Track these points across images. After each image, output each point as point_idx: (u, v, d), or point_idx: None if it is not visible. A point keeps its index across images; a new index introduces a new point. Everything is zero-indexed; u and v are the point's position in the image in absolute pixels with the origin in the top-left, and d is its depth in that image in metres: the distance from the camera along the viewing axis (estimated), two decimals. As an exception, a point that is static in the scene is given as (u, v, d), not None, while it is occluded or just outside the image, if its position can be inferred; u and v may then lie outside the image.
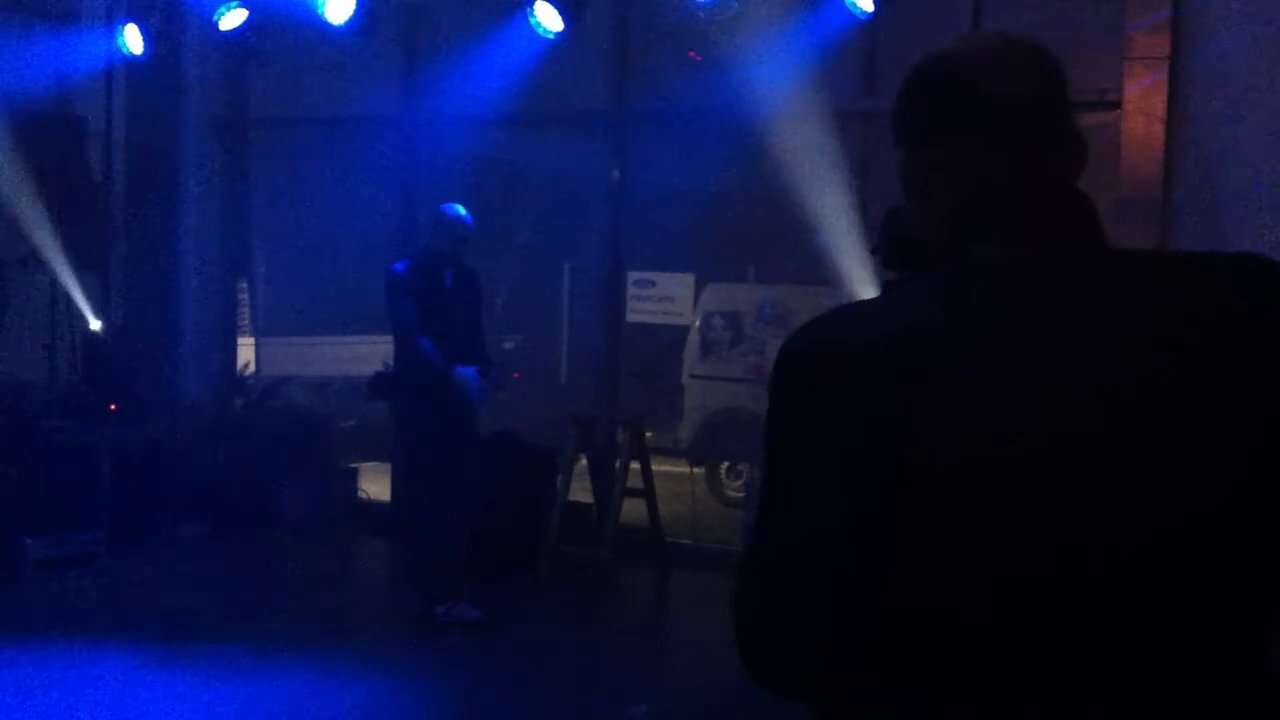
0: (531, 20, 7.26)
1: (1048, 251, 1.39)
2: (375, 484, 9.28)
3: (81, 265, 8.56)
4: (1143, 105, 6.07)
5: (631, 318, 9.17)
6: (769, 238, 10.41)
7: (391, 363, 6.96)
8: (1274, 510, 1.32)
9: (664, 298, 10.67)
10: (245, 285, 10.33)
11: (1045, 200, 1.42)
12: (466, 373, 6.38)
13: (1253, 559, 1.32)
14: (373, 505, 9.08)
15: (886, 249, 1.60)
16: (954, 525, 1.29)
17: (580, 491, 7.97)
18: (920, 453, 1.27)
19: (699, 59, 7.98)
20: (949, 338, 1.32)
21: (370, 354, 9.50)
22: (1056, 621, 1.29)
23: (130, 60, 8.34)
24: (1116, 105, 6.18)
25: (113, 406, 8.17)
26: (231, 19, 7.87)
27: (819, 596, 1.33)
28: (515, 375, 10.49)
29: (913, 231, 1.49)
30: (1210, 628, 1.33)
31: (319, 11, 7.59)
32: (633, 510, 7.81)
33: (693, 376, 10.92)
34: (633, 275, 9.21)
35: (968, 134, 1.43)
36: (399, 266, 6.48)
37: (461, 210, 6.46)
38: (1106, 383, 1.31)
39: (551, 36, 7.33)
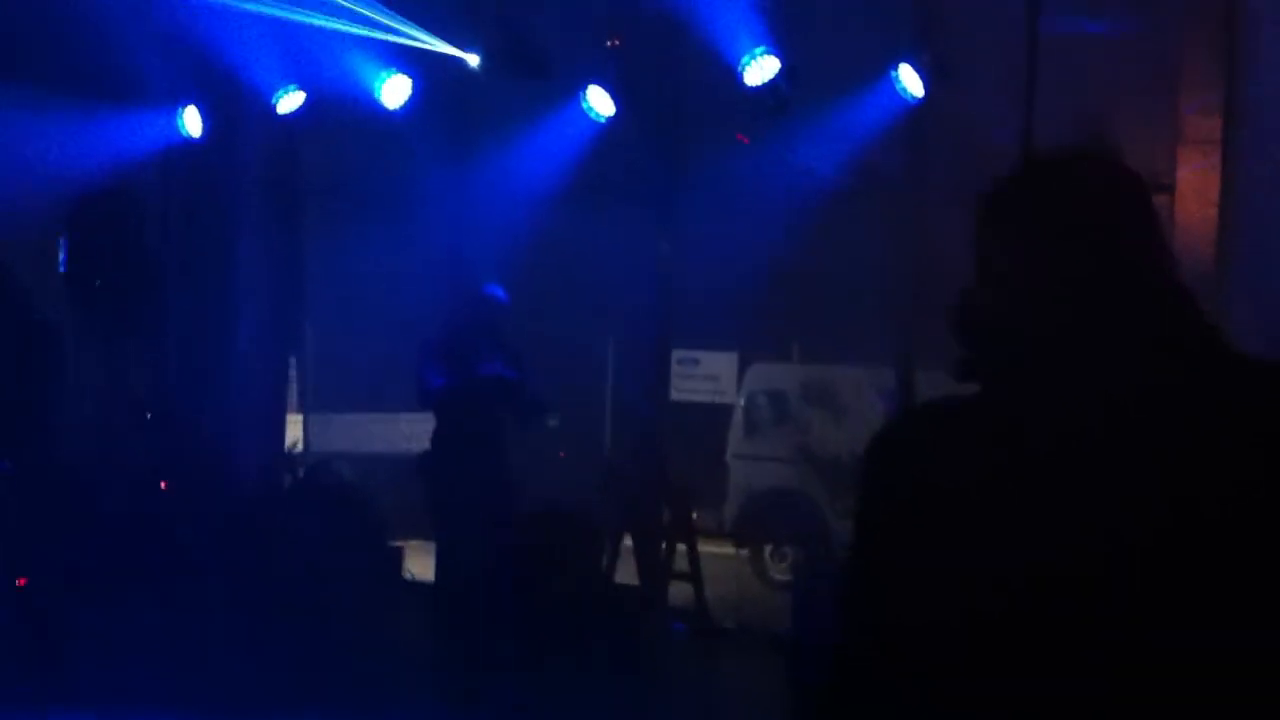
0: (584, 105, 7.37)
1: (1120, 360, 1.39)
2: (420, 563, 9.25)
3: (136, 342, 8.65)
4: (1196, 188, 6.07)
5: (676, 396, 9.18)
6: (814, 317, 10.43)
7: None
8: None
9: (708, 376, 10.70)
10: (295, 362, 10.42)
11: (1142, 300, 1.42)
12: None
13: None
14: (417, 586, 9.04)
15: (961, 328, 1.61)
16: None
17: (625, 571, 7.92)
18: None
19: (747, 141, 8.05)
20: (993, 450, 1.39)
21: (419, 432, 9.53)
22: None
23: (189, 141, 8.50)
24: (1170, 189, 6.18)
25: (163, 485, 8.22)
26: (289, 102, 8.02)
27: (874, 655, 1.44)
28: (561, 455, 10.49)
29: (1008, 329, 1.49)
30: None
31: (375, 94, 7.73)
32: (678, 592, 7.75)
33: (736, 456, 10.89)
34: (677, 354, 9.23)
35: (1074, 230, 1.44)
36: (431, 342, 6.52)
37: (497, 290, 6.48)
38: (1140, 507, 1.33)
39: (603, 120, 7.43)
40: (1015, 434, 1.39)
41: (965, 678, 1.37)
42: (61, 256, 8.09)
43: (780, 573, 10.71)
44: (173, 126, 8.46)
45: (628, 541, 7.93)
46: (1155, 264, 1.45)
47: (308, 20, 7.63)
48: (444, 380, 6.43)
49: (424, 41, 7.68)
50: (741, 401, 10.88)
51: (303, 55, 8.02)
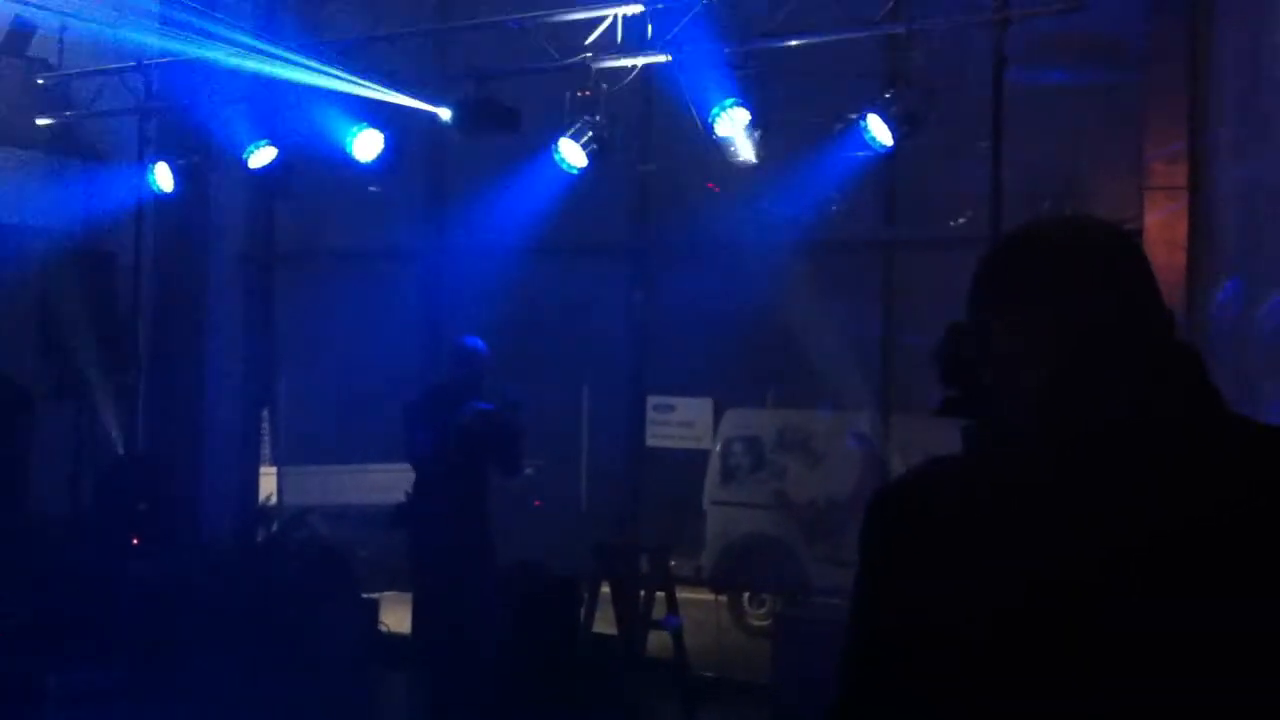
0: (556, 156, 7.40)
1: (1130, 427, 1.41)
2: (395, 615, 9.18)
3: (107, 397, 8.61)
4: (1164, 234, 6.14)
5: (651, 442, 9.17)
6: (788, 363, 10.46)
7: (412, 492, 6.97)
8: None
9: (683, 422, 10.69)
10: (267, 415, 10.37)
11: (1144, 367, 1.44)
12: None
13: None
14: (393, 639, 8.97)
15: (945, 365, 1.62)
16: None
17: (603, 621, 7.87)
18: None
19: (718, 190, 8.10)
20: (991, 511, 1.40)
21: (393, 483, 9.49)
22: None
23: (160, 197, 8.49)
24: (1138, 233, 6.25)
25: (135, 540, 8.16)
26: (260, 157, 8.03)
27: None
28: (537, 504, 10.46)
29: (1006, 406, 1.50)
30: None
31: (347, 149, 7.74)
32: (657, 640, 7.71)
33: (714, 503, 10.87)
34: (652, 400, 9.23)
35: (1075, 297, 1.45)
36: (412, 399, 6.55)
37: (477, 342, 6.52)
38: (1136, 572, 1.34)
39: (575, 172, 7.46)
40: (1013, 488, 1.40)
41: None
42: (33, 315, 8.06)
43: (759, 619, 10.68)
44: (144, 182, 8.45)
45: (605, 590, 7.89)
46: (1155, 320, 1.47)
47: (279, 76, 7.65)
48: (428, 430, 6.42)
49: (395, 97, 7.71)
50: (717, 448, 10.87)
51: (274, 110, 8.04)
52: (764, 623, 10.38)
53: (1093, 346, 1.43)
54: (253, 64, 7.59)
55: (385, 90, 7.53)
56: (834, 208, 7.38)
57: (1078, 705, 1.34)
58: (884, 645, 1.45)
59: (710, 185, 8.15)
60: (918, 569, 1.42)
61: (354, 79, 7.51)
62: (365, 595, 9.14)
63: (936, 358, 1.65)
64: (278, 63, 7.55)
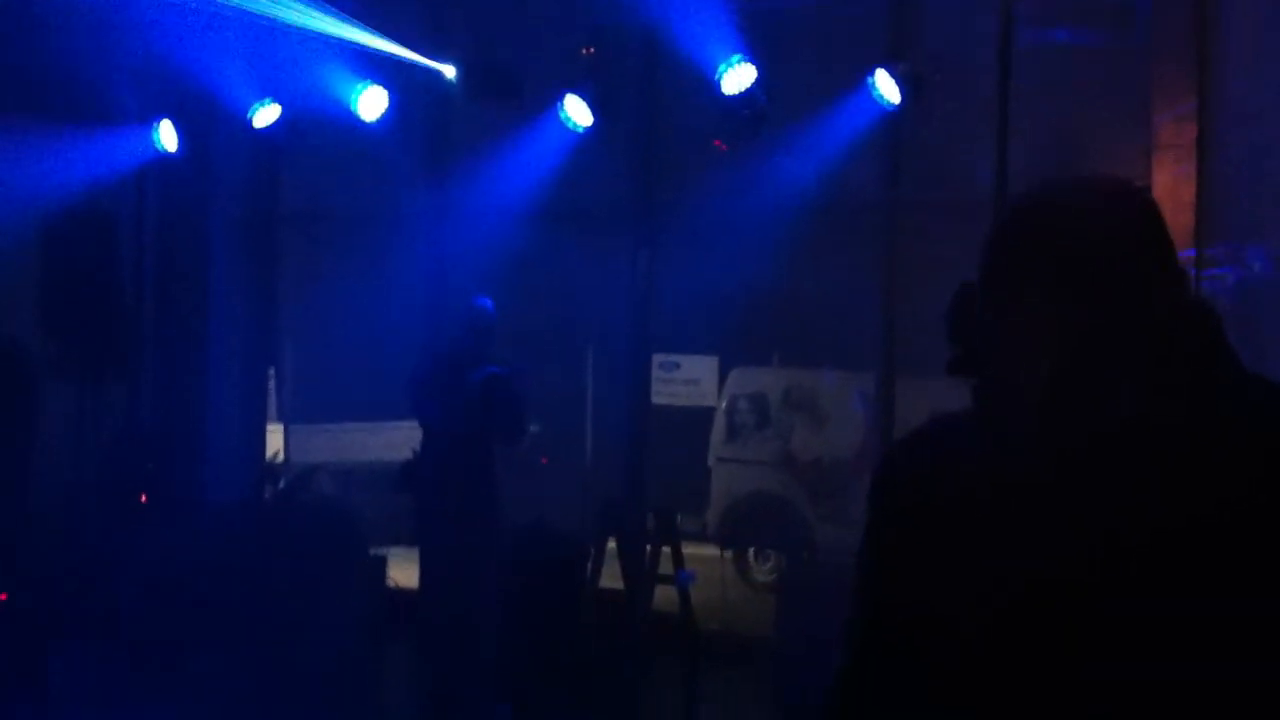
0: (561, 115, 7.37)
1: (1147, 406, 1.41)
2: (403, 571, 9.24)
3: (111, 360, 8.62)
4: (1171, 193, 6.11)
5: (656, 400, 9.18)
6: (794, 322, 10.46)
7: (420, 449, 7.01)
8: None
9: (689, 381, 10.72)
10: (273, 373, 10.40)
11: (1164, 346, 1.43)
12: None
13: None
14: (401, 595, 9.03)
15: (955, 324, 1.62)
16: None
17: (610, 577, 7.92)
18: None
19: (725, 149, 8.07)
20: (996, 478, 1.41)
21: (399, 441, 9.52)
22: None
23: (163, 157, 8.46)
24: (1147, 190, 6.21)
25: (143, 498, 8.20)
26: (264, 116, 8.00)
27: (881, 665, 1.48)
28: (543, 461, 10.50)
29: (1015, 374, 1.50)
30: None
31: (351, 108, 7.71)
32: (663, 596, 7.76)
33: (719, 461, 10.91)
34: (657, 358, 9.24)
35: (1085, 261, 1.45)
36: (421, 360, 6.54)
37: (486, 302, 6.50)
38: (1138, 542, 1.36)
39: (581, 130, 7.44)
40: (1022, 448, 1.41)
41: (975, 692, 1.39)
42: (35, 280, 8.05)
43: (764, 575, 10.75)
44: (148, 142, 8.42)
45: (611, 545, 7.93)
46: (1170, 281, 1.46)
47: (283, 32, 7.60)
48: (438, 390, 6.44)
49: (399, 54, 7.67)
50: (723, 405, 10.91)
51: (278, 68, 8.00)
52: (769, 578, 10.45)
53: (1105, 313, 1.42)
54: (256, 21, 7.54)
55: (389, 42, 7.49)
56: (842, 166, 7.34)
57: (1078, 682, 1.36)
58: (889, 612, 1.46)
59: (717, 143, 8.11)
60: (922, 536, 1.44)
61: (358, 35, 7.46)
62: (373, 552, 9.20)
63: (947, 317, 1.64)
64: (280, 20, 7.51)
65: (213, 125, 8.42)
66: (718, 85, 6.88)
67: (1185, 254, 6.11)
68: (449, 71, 7.65)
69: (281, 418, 11.03)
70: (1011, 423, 1.45)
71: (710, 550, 10.20)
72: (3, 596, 7.09)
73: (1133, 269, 1.44)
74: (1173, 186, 6.11)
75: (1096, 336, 1.41)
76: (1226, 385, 1.43)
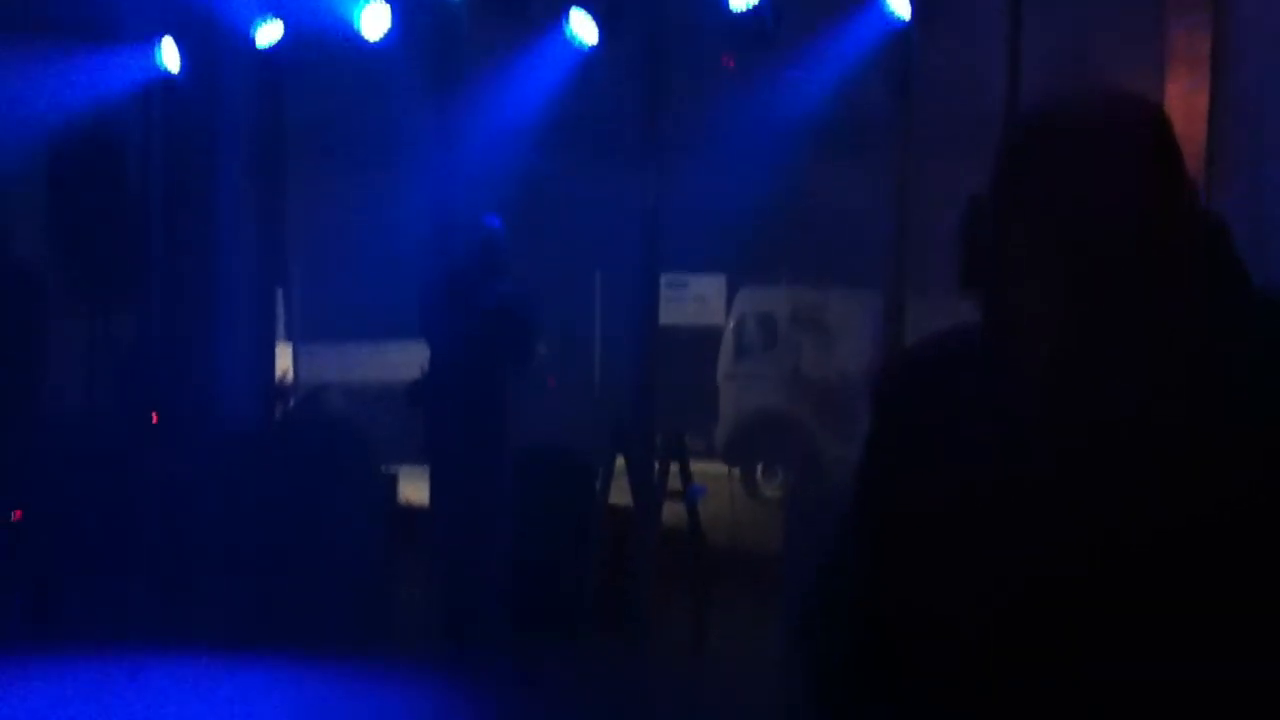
0: (567, 32, 7.29)
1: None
2: (413, 489, 9.32)
3: (121, 281, 8.62)
4: (1185, 106, 6.03)
5: (664, 320, 9.18)
6: (803, 240, 10.42)
7: (428, 368, 7.03)
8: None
9: (697, 299, 10.71)
10: (281, 293, 10.39)
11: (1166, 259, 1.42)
12: None
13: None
14: (412, 512, 9.12)
15: (968, 237, 1.61)
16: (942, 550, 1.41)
17: (619, 495, 7.98)
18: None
19: (732, 65, 7.99)
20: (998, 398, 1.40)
21: (409, 359, 9.54)
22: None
23: (167, 77, 8.40)
24: (1158, 107, 6.13)
25: (154, 418, 8.25)
26: (267, 33, 7.91)
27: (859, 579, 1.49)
28: (551, 382, 10.54)
29: (1022, 297, 1.49)
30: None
31: (355, 25, 7.63)
32: (671, 512, 7.83)
33: (726, 378, 10.94)
34: (665, 277, 9.22)
35: (1097, 195, 1.43)
36: (430, 279, 6.51)
37: (494, 220, 6.47)
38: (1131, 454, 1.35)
39: (587, 48, 7.35)
40: (1026, 363, 1.40)
41: (964, 616, 1.39)
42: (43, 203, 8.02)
43: (771, 491, 10.84)
44: (150, 62, 8.34)
45: (620, 464, 7.98)
46: (1180, 196, 1.45)
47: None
48: (447, 310, 6.43)
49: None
50: (731, 324, 10.91)
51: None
52: (776, 494, 10.53)
53: (1113, 229, 1.40)
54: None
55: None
56: (852, 83, 7.26)
57: (1076, 602, 1.35)
58: (880, 518, 1.47)
59: (725, 61, 8.03)
60: (919, 447, 1.44)
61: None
62: (383, 470, 9.26)
63: (958, 231, 1.63)
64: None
65: (215, 43, 8.33)
66: (725, 1, 6.80)
67: (1198, 170, 6.06)
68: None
69: (290, 337, 11.05)
70: (1017, 338, 1.44)
71: (718, 467, 10.26)
72: (18, 515, 7.18)
73: (1141, 184, 1.42)
74: (1186, 100, 6.03)
75: (1104, 252, 1.40)
76: (1237, 301, 1.42)
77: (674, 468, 7.70)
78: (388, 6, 7.65)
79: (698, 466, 8.38)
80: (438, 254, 8.40)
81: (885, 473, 1.48)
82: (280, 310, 10.40)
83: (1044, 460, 1.36)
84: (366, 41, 7.70)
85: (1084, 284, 1.40)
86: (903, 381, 1.52)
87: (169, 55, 8.26)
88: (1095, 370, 1.38)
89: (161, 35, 8.30)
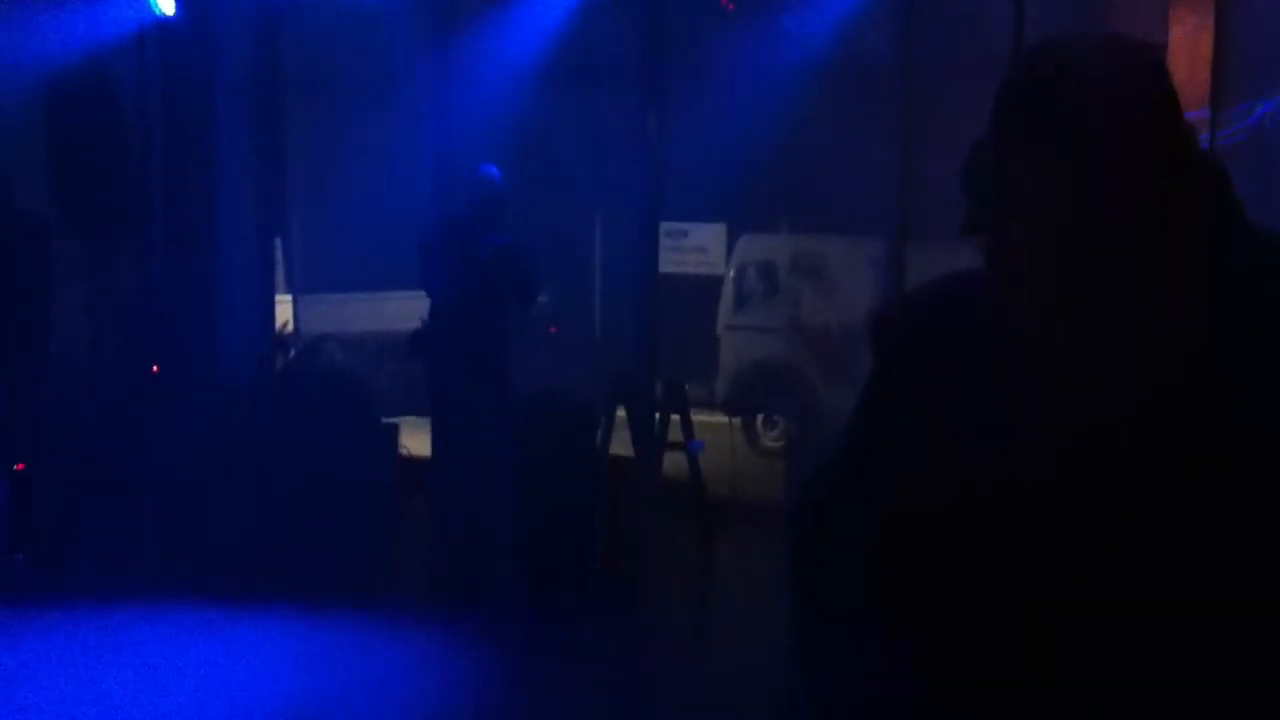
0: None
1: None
2: (415, 440, 9.34)
3: (120, 229, 8.59)
4: (1189, 47, 5.98)
5: (664, 269, 9.16)
6: (803, 188, 10.37)
7: (428, 319, 7.02)
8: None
9: (697, 249, 10.67)
10: (280, 243, 10.36)
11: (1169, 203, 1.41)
12: None
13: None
14: (414, 462, 9.13)
15: (970, 182, 1.62)
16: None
17: (619, 445, 7.99)
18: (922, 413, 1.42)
19: (732, 8, 7.91)
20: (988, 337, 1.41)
21: (409, 310, 9.52)
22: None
23: (162, 20, 8.32)
24: (1162, 48, 6.09)
25: (155, 369, 8.24)
26: (264, -23, 7.83)
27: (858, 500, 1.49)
28: (552, 330, 10.52)
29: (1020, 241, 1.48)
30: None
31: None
32: (672, 462, 7.84)
33: (728, 328, 10.92)
34: (665, 226, 9.18)
35: (1096, 134, 1.42)
36: (429, 230, 6.48)
37: (493, 170, 6.42)
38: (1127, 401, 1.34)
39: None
40: (1026, 306, 1.40)
41: (956, 546, 1.40)
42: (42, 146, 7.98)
43: (771, 441, 10.85)
44: (145, 5, 8.26)
45: (621, 414, 7.98)
46: (1177, 139, 1.44)
47: None
48: (446, 261, 6.40)
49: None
50: (731, 273, 10.87)
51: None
52: (777, 444, 10.55)
53: (1110, 173, 1.40)
54: None
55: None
56: (852, 26, 7.19)
57: (1076, 545, 1.35)
58: (874, 452, 1.48)
59: (724, 2, 7.96)
60: (917, 387, 1.44)
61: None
62: (385, 420, 9.27)
63: (961, 176, 1.63)
64: None
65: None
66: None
67: (1200, 112, 6.01)
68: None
69: (290, 288, 11.02)
70: (1018, 279, 1.44)
71: (719, 418, 10.26)
72: (20, 466, 7.19)
73: (1138, 128, 1.41)
74: (1190, 38, 5.98)
75: (1102, 195, 1.40)
76: (1237, 242, 1.41)
77: (675, 418, 7.70)
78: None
79: (698, 417, 8.37)
80: (437, 203, 8.36)
81: (883, 413, 1.47)
82: (280, 261, 10.38)
83: (1045, 402, 1.35)
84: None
85: (1084, 224, 1.40)
86: (902, 325, 1.51)
87: (164, -2, 8.19)
88: (1096, 311, 1.37)
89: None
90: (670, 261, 9.42)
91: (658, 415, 7.80)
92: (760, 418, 11.00)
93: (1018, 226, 1.45)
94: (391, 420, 9.35)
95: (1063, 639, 1.35)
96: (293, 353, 9.72)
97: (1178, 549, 1.32)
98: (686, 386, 8.06)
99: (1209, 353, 1.34)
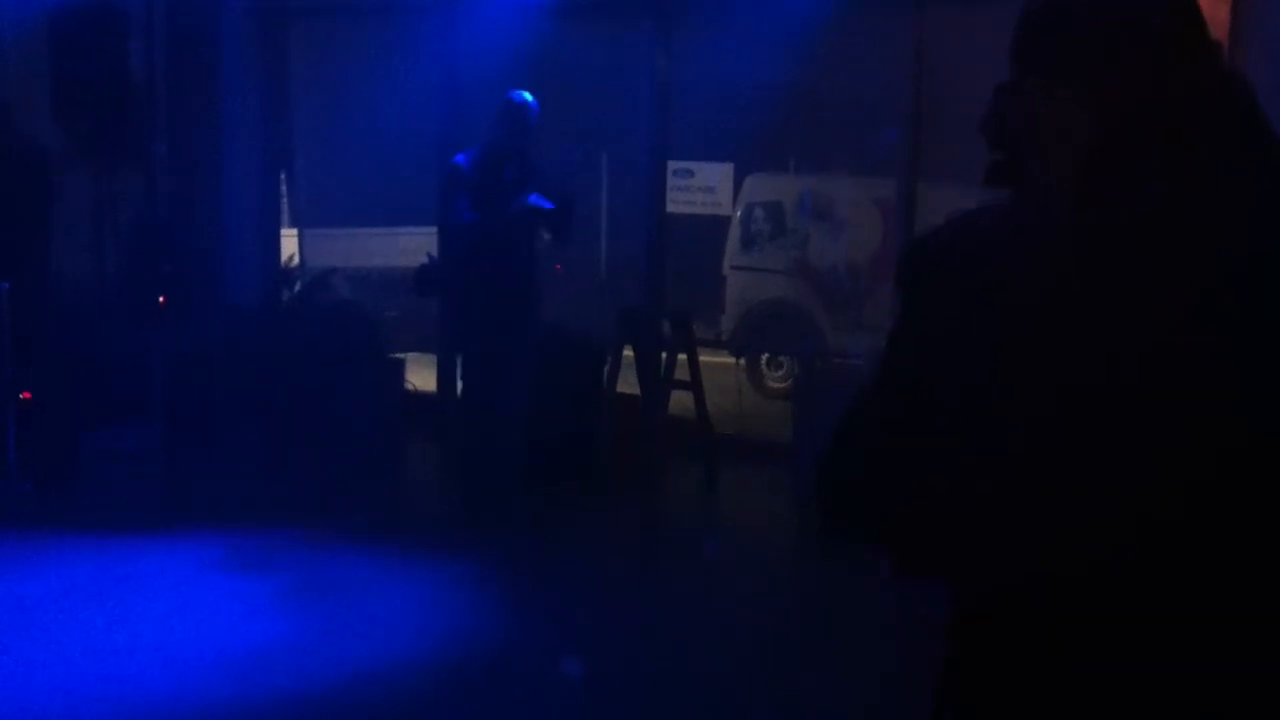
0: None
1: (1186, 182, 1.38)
2: (421, 376, 9.35)
3: (125, 158, 8.54)
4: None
5: (671, 208, 9.12)
6: (812, 127, 10.30)
7: (436, 255, 6.95)
8: None
9: (704, 188, 10.61)
10: (285, 177, 10.31)
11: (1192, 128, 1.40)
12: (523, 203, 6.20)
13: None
14: (419, 397, 9.16)
15: (992, 130, 1.60)
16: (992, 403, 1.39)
17: (626, 385, 8.00)
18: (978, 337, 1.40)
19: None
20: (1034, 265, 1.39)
21: (414, 245, 9.50)
22: (1077, 490, 1.35)
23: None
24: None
25: (161, 300, 8.22)
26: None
27: (899, 447, 1.47)
28: (558, 268, 10.49)
29: (1045, 166, 1.47)
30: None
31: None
32: (678, 402, 7.86)
33: (734, 269, 10.89)
34: (672, 165, 9.13)
35: (1121, 60, 1.41)
36: (458, 159, 6.33)
37: (527, 97, 6.26)
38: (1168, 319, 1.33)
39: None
40: (1054, 232, 1.39)
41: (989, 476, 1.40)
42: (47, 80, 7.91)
43: (776, 382, 10.86)
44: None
45: (628, 353, 7.99)
46: (1202, 55, 1.43)
47: None
48: (477, 213, 6.20)
49: None
50: (738, 214, 10.82)
51: None
52: (781, 385, 10.56)
53: (1134, 92, 1.39)
54: None
55: None
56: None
57: (1081, 468, 1.36)
58: (907, 377, 1.47)
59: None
60: (946, 315, 1.43)
61: None
62: (391, 356, 9.28)
63: (984, 124, 1.61)
64: None
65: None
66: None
67: (1222, 37, 5.94)
68: None
69: (295, 222, 10.98)
70: (1044, 208, 1.43)
71: (724, 358, 10.26)
72: (26, 395, 7.19)
73: (1162, 44, 1.41)
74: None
75: (1127, 115, 1.39)
76: (1260, 159, 1.40)
77: (681, 358, 7.71)
78: None
79: (703, 358, 8.38)
80: (439, 138, 8.28)
81: (918, 344, 1.47)
82: (284, 194, 10.33)
83: (1076, 318, 1.35)
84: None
85: (1109, 143, 1.39)
86: (936, 253, 1.50)
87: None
88: (1122, 229, 1.36)
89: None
90: (677, 201, 9.36)
91: (664, 355, 7.80)
92: (765, 358, 11.01)
93: (1043, 143, 1.44)
94: (398, 356, 9.36)
95: (1118, 566, 1.34)
96: (298, 286, 9.71)
97: (1235, 460, 1.32)
98: (693, 326, 8.04)
99: (1238, 261, 1.33)
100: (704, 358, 8.01)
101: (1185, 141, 1.38)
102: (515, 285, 6.42)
